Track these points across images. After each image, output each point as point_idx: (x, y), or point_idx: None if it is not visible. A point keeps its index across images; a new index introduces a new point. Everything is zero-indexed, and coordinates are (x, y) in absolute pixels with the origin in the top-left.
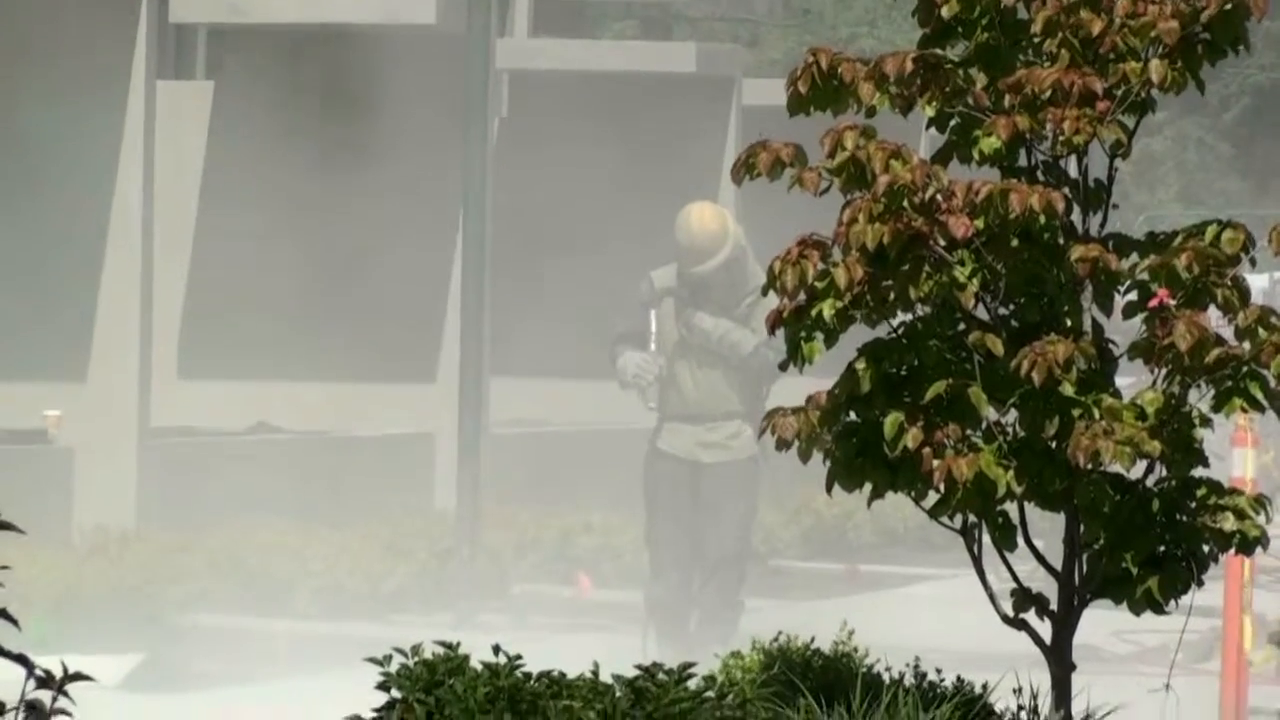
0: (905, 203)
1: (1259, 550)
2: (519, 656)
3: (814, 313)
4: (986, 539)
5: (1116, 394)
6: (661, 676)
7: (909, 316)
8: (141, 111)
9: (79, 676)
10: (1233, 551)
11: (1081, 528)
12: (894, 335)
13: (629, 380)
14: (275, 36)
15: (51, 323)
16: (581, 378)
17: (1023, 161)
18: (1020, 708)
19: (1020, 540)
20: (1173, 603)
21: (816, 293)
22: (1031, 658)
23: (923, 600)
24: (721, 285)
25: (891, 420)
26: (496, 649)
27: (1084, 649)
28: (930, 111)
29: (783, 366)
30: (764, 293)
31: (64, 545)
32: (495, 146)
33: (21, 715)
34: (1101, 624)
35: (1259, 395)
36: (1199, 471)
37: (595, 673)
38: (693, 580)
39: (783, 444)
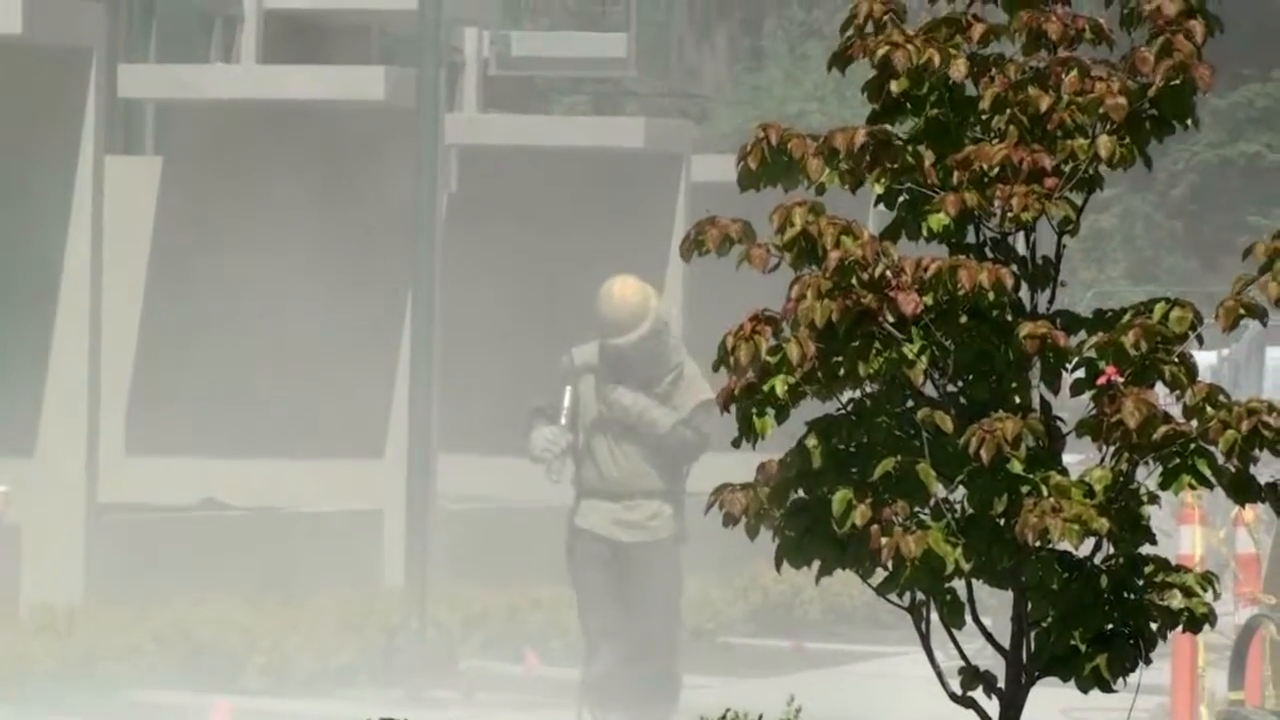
0: (854, 279)
1: (1206, 628)
2: None
3: (766, 389)
4: (935, 616)
5: (1064, 471)
6: None
7: (858, 393)
8: (90, 187)
9: None
10: (1180, 629)
11: (1029, 605)
12: (843, 412)
13: (537, 454)
14: (224, 112)
15: None
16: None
17: (971, 238)
18: None
19: (968, 618)
20: (1120, 680)
21: (769, 369)
22: None
23: (871, 677)
24: (641, 360)
25: (840, 497)
26: None
27: None
28: (879, 188)
29: (735, 443)
30: (715, 369)
31: (11, 621)
32: (445, 221)
33: None
34: (1049, 702)
35: (1207, 472)
36: (1146, 549)
37: None
38: (628, 657)
39: (730, 520)
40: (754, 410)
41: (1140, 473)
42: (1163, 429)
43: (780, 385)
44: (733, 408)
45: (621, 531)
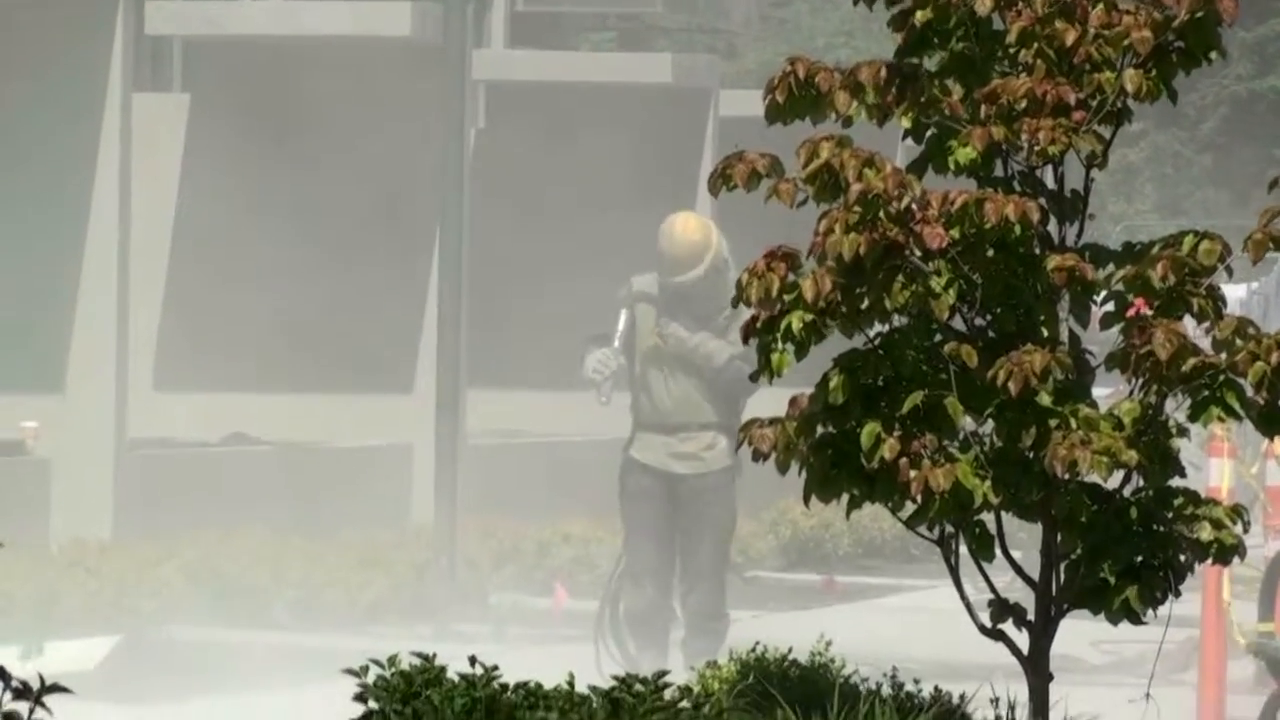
0: (880, 213)
1: (1235, 560)
2: (495, 667)
3: (784, 324)
4: (964, 550)
5: (1093, 404)
6: (638, 687)
7: (885, 327)
8: (118, 124)
9: (56, 688)
10: (1209, 561)
11: (1059, 538)
12: (870, 346)
13: (588, 375)
14: (251, 48)
15: (28, 335)
16: (558, 389)
17: (999, 172)
18: (998, 718)
19: (998, 551)
20: (1150, 612)
21: (787, 304)
22: (1009, 668)
23: (900, 611)
24: (701, 296)
25: (868, 431)
26: (473, 660)
27: (1061, 659)
28: (906, 122)
29: (753, 378)
30: (733, 304)
31: (41, 557)
32: (472, 158)
33: None
34: (1079, 634)
35: (1236, 404)
36: (1176, 481)
37: (571, 683)
38: (670, 592)
39: (759, 455)
40: (772, 345)
41: (1169, 406)
42: (1192, 361)
43: (796, 321)
44: (754, 344)
45: (676, 463)
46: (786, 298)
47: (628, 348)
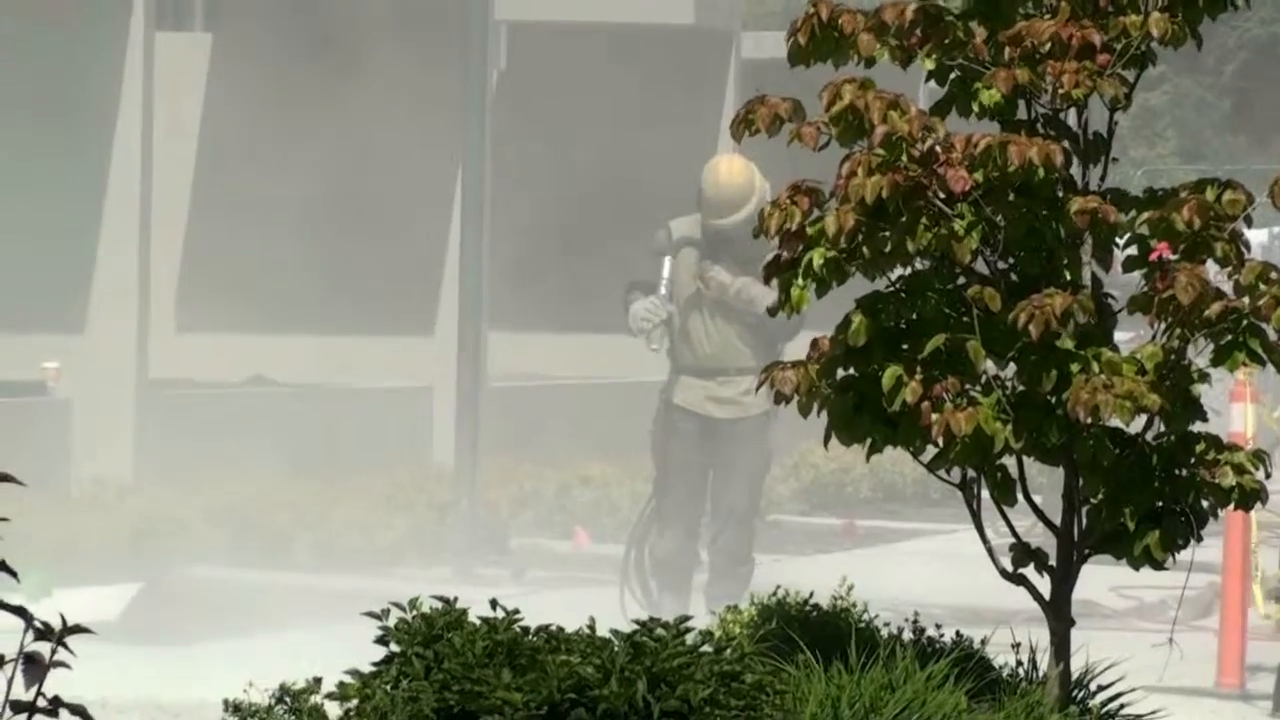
0: (904, 155)
1: (1258, 505)
2: (517, 610)
3: (805, 261)
4: (985, 494)
5: (1115, 348)
6: (660, 631)
7: (908, 270)
8: (140, 64)
9: (78, 629)
10: (1232, 506)
11: (1080, 482)
12: (892, 288)
13: (636, 325)
14: None
15: (50, 275)
16: (579, 331)
17: (1023, 114)
18: (1019, 663)
19: (1019, 495)
20: (1171, 558)
21: (809, 241)
22: (1030, 613)
23: (921, 555)
24: (744, 239)
25: (890, 374)
26: (494, 603)
27: (1083, 604)
28: (930, 64)
29: (771, 312)
30: (754, 236)
31: (62, 497)
32: (494, 99)
33: (20, 667)
34: (1100, 579)
35: (1259, 349)
36: (1198, 426)
37: (592, 627)
38: (698, 536)
39: (781, 398)
40: (793, 280)
41: (1191, 351)
42: (1216, 305)
43: (818, 258)
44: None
45: (714, 407)
46: (810, 230)
47: (672, 295)
